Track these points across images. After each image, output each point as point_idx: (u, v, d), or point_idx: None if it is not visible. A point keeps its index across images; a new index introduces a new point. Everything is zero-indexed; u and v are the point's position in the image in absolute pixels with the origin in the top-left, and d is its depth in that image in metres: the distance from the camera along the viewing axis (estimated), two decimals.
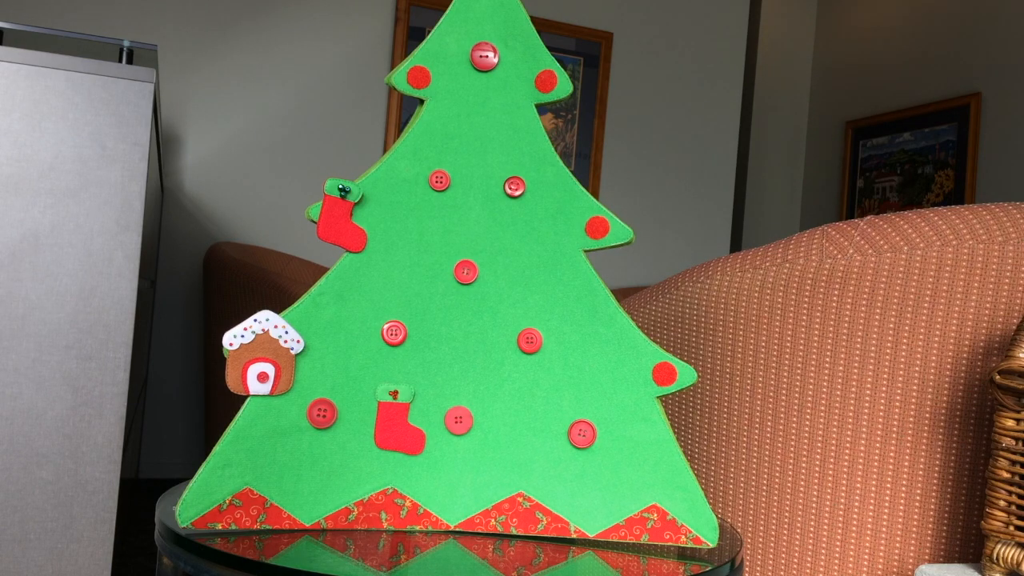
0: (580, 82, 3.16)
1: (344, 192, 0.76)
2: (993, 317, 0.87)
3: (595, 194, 3.18)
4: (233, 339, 0.72)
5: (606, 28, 3.21)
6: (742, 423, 1.03)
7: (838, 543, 0.94)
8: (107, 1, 2.58)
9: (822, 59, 4.05)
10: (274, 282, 2.03)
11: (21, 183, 1.21)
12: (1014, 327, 0.86)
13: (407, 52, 2.91)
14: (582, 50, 3.15)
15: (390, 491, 0.75)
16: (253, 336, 0.73)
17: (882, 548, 0.92)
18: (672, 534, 0.76)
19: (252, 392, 0.73)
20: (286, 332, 0.74)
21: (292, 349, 0.74)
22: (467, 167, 0.78)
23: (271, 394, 0.73)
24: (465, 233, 0.77)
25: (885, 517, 0.92)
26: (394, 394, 0.75)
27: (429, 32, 0.80)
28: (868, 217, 0.97)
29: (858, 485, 0.93)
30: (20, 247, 1.20)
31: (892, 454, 0.92)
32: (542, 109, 3.04)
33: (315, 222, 0.76)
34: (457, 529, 0.76)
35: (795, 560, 0.97)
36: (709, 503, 0.96)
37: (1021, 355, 0.74)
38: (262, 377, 0.73)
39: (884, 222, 0.95)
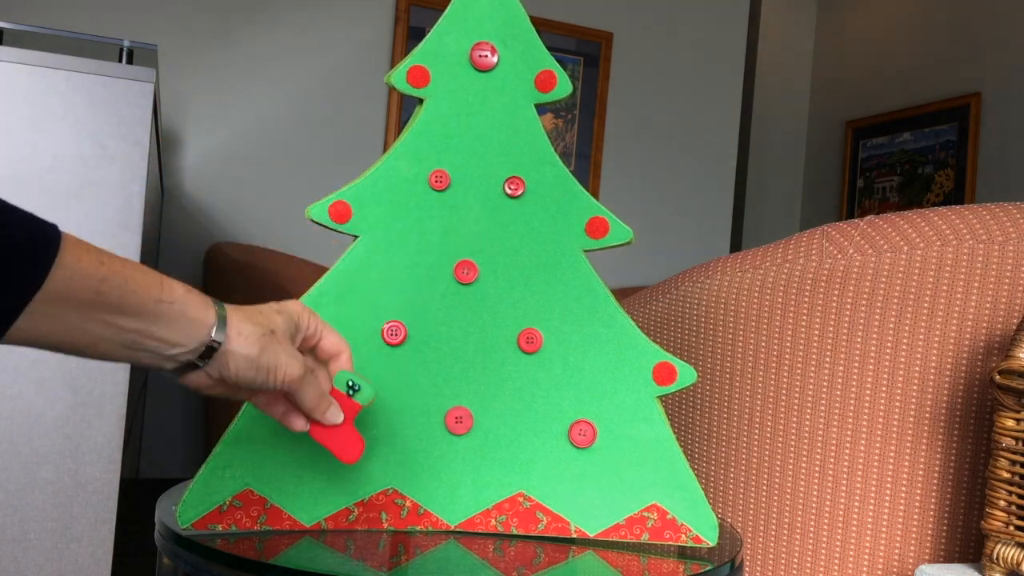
0: (580, 82, 3.16)
1: (353, 390, 0.65)
2: (993, 317, 0.87)
3: (595, 194, 3.18)
4: None
5: (606, 28, 3.21)
6: (742, 423, 1.03)
7: (838, 543, 0.94)
8: (107, 1, 2.58)
9: (822, 59, 4.05)
10: (274, 282, 2.03)
11: (21, 183, 1.21)
12: (1014, 327, 0.85)
13: (407, 52, 2.90)
14: (582, 50, 3.15)
15: (390, 491, 0.75)
16: None
17: (882, 548, 0.92)
18: (672, 533, 0.76)
19: None
20: None
21: None
22: (467, 167, 0.77)
23: None
24: (465, 233, 0.77)
25: (885, 517, 0.92)
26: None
27: (429, 32, 0.79)
28: (868, 217, 0.97)
29: (858, 485, 0.93)
30: None
31: (892, 454, 0.92)
32: (542, 109, 3.04)
33: (315, 222, 0.75)
34: (457, 529, 0.75)
35: (795, 560, 0.97)
36: (709, 503, 0.96)
37: (1021, 355, 0.74)
38: None
39: (884, 222, 0.95)
